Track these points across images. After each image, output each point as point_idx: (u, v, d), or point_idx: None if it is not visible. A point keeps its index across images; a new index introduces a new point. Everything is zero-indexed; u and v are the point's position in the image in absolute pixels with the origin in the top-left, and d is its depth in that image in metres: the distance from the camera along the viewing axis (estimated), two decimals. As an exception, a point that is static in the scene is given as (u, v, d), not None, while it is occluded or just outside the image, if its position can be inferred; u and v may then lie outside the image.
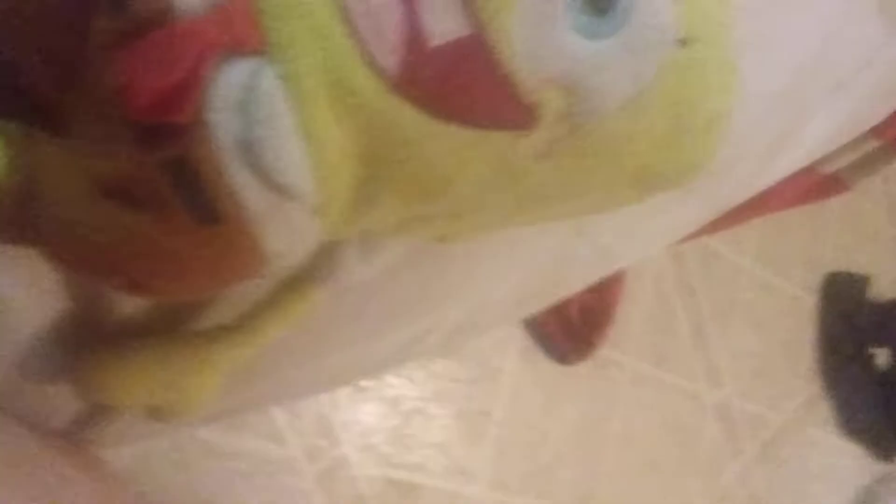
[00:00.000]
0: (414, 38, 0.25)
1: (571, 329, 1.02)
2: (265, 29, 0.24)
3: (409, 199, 0.28)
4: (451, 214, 0.30)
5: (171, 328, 0.34)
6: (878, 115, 0.65)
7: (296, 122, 0.24)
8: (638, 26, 0.28)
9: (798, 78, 0.52)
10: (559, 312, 1.00)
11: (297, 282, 0.33)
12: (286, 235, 0.27)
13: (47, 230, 0.26)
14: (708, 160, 0.34)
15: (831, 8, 0.53)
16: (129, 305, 0.34)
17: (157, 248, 0.25)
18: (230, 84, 0.24)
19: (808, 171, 0.68)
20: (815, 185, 0.81)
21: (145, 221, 0.25)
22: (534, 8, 0.26)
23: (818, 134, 0.58)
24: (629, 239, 0.49)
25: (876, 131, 0.71)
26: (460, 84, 0.26)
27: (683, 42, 0.30)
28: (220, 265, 0.26)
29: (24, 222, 0.26)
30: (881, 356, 1.55)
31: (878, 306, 1.54)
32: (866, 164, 0.80)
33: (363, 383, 0.87)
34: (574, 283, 0.50)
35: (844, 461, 1.53)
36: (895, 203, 1.76)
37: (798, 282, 1.47)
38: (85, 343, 0.33)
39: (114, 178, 0.24)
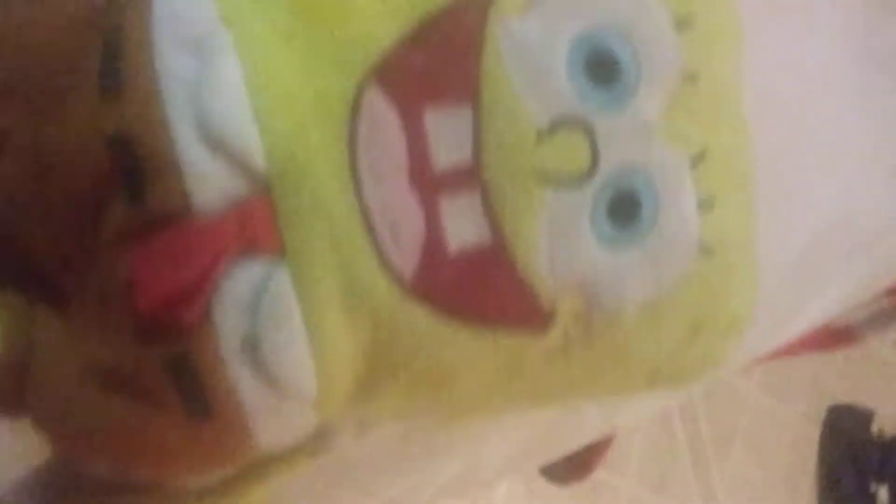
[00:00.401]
0: (433, 242, 0.25)
1: (568, 450, 1.00)
2: (281, 230, 0.23)
3: (412, 395, 0.27)
4: (455, 406, 0.29)
5: (150, 487, 0.32)
6: (894, 277, 0.64)
7: (305, 324, 0.24)
8: (662, 236, 0.28)
9: (814, 247, 0.52)
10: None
11: (287, 454, 0.32)
12: (280, 429, 0.26)
13: (34, 404, 0.25)
14: (724, 361, 0.33)
15: (851, 175, 0.53)
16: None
17: (143, 436, 0.24)
18: (241, 285, 0.23)
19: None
20: (824, 336, 0.79)
21: (134, 409, 0.24)
22: (557, 217, 0.26)
23: (831, 299, 0.57)
24: (637, 400, 0.48)
25: (890, 291, 0.70)
26: (477, 289, 0.26)
27: (708, 252, 0.29)
28: (207, 456, 0.25)
29: (18, 395, 0.25)
30: (883, 494, 1.50)
31: (882, 442, 1.50)
32: (878, 321, 0.79)
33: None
34: (578, 440, 0.48)
35: None
36: (903, 337, 1.74)
37: (802, 411, 1.44)
38: (62, 493, 0.31)
39: (108, 364, 0.24)
